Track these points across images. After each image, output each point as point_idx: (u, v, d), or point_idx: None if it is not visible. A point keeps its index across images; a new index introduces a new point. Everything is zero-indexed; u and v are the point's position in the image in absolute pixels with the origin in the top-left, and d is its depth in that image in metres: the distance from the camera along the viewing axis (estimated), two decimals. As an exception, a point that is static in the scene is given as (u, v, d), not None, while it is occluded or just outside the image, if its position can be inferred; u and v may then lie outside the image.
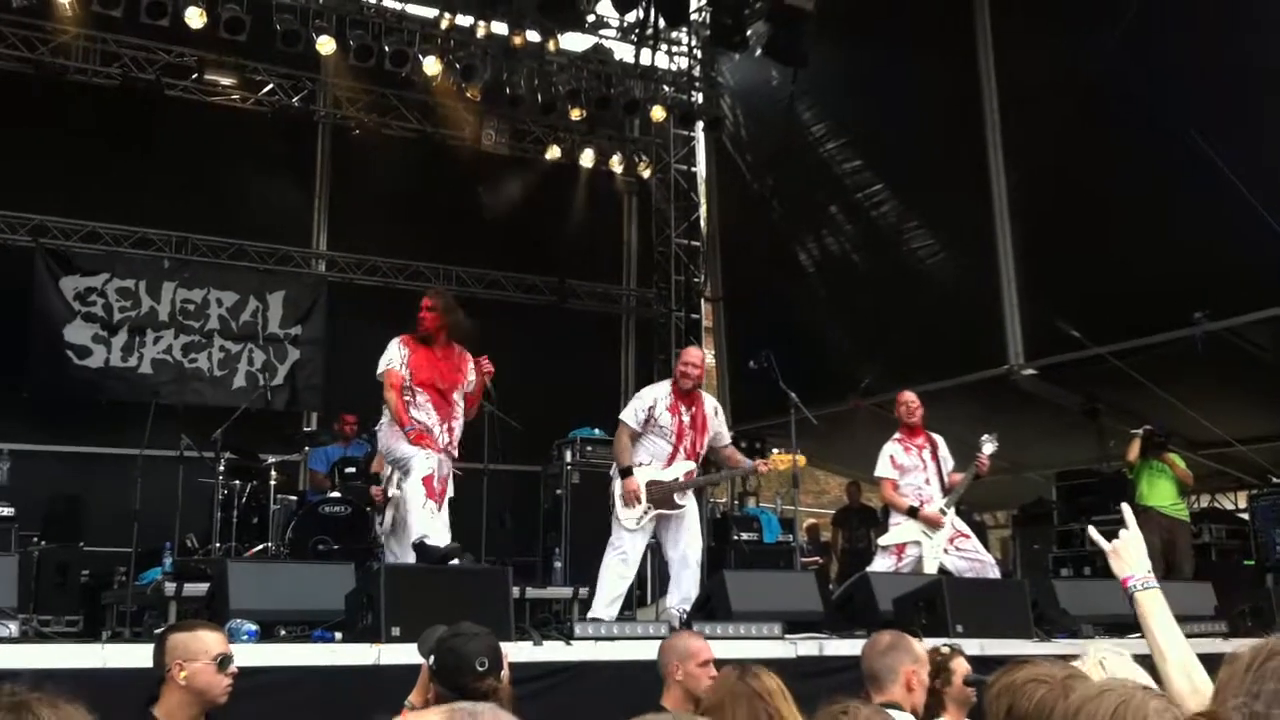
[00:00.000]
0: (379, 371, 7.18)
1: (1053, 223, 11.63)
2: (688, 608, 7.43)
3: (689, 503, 7.67)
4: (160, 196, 13.12)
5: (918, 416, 8.79)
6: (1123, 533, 2.84)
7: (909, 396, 8.90)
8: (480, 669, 3.53)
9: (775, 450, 8.22)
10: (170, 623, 7.17)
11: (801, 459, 8.40)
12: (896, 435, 8.82)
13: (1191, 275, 10.30)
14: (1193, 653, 2.57)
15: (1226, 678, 1.81)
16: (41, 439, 11.93)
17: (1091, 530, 3.04)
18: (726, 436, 8.04)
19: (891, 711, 3.81)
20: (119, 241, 12.98)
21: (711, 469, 8.80)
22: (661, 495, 7.47)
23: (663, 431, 7.57)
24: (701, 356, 7.90)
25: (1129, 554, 2.79)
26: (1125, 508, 3.08)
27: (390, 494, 7.38)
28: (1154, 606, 2.69)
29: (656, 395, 7.64)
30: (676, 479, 7.53)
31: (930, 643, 4.67)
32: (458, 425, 7.29)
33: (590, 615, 7.33)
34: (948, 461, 8.79)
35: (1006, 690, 2.28)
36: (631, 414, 7.62)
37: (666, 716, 1.67)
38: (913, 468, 8.65)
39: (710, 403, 7.90)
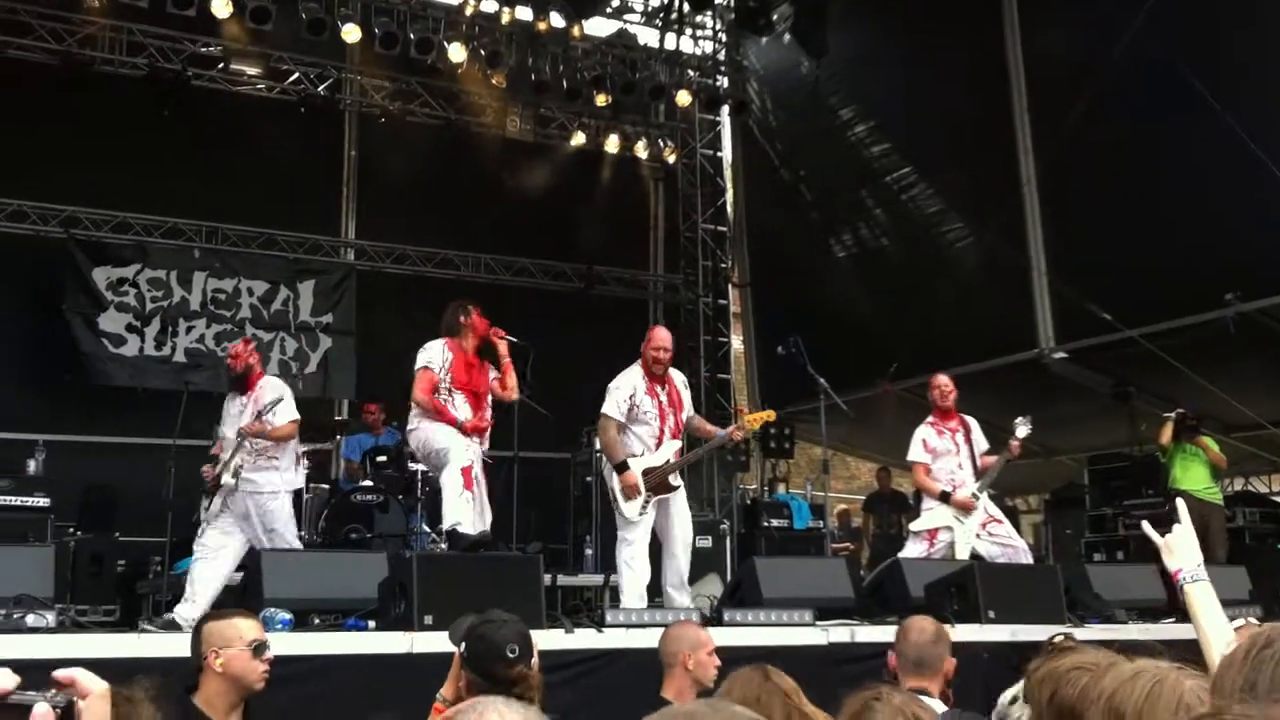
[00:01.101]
0: (418, 366, 7.32)
1: (1082, 204, 11.57)
2: (716, 595, 7.42)
3: (681, 482, 7.67)
4: (189, 186, 13.18)
5: (951, 400, 8.72)
6: (1176, 528, 2.85)
7: (942, 380, 8.84)
8: (511, 655, 3.53)
9: (746, 415, 8.23)
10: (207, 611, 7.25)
11: (771, 414, 8.58)
12: (929, 419, 8.75)
13: (1223, 256, 10.23)
14: None
15: (1224, 667, 1.80)
16: (75, 430, 12.02)
17: (1146, 526, 3.04)
18: (691, 405, 7.98)
19: (925, 699, 3.80)
20: (149, 232, 13.06)
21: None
22: (658, 480, 7.45)
23: (646, 417, 7.52)
24: (670, 337, 7.86)
25: (1181, 547, 2.81)
26: (1180, 504, 3.10)
27: (224, 481, 7.55)
28: (1203, 598, 2.70)
29: (633, 383, 7.55)
30: (668, 460, 7.49)
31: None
32: (487, 429, 7.48)
33: (624, 605, 7.30)
34: (981, 444, 8.73)
35: (1050, 677, 2.27)
36: (614, 407, 7.51)
37: (706, 702, 1.66)
38: (945, 451, 8.58)
39: (679, 377, 7.90)
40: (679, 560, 7.48)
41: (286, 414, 7.78)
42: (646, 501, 7.38)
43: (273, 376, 8.61)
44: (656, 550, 7.57)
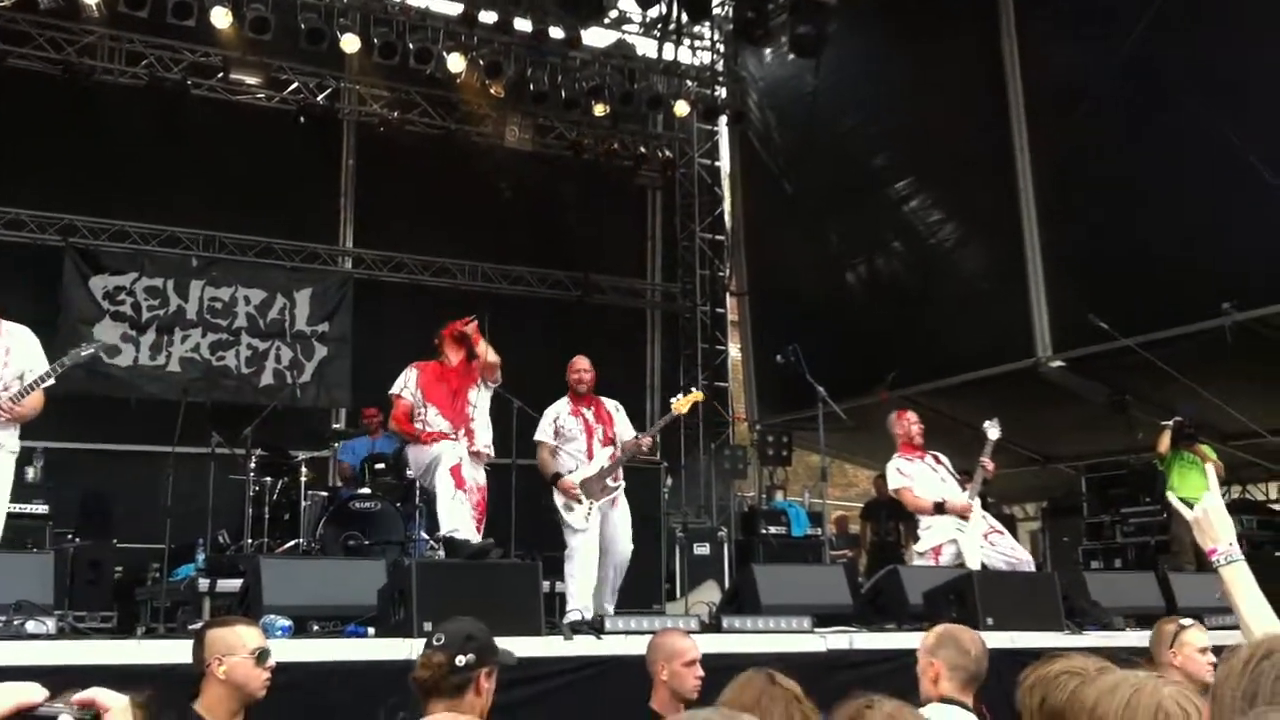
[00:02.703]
0: (391, 393, 7.69)
1: (1079, 214, 11.61)
2: (714, 602, 7.44)
3: (621, 485, 8.08)
4: (187, 195, 13.21)
5: (919, 436, 8.74)
6: (1205, 497, 2.75)
7: (912, 415, 8.88)
8: (492, 637, 3.68)
9: (674, 398, 8.49)
10: (206, 619, 7.25)
11: (699, 395, 8.94)
12: (897, 453, 8.75)
13: (1220, 266, 10.26)
14: None
15: (1222, 677, 1.81)
16: (74, 437, 11.99)
17: (1172, 497, 2.99)
18: (631, 431, 8.33)
19: (955, 709, 3.79)
20: (147, 240, 13.08)
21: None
22: (596, 487, 7.88)
23: (571, 433, 8.02)
24: (588, 363, 8.31)
25: (1213, 524, 2.70)
26: (1210, 472, 3.00)
27: None
28: (1240, 580, 2.60)
29: (558, 409, 8.13)
30: (602, 467, 7.92)
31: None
32: (478, 428, 7.59)
33: (570, 608, 7.44)
34: (950, 475, 8.73)
35: (1040, 683, 2.28)
36: (541, 432, 8.10)
37: (710, 711, 1.68)
38: (920, 473, 8.58)
39: (609, 402, 8.35)
40: (614, 576, 7.99)
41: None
42: (590, 509, 7.82)
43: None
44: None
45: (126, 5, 11.45)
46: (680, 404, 8.41)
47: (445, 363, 7.67)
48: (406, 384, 7.61)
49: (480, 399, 7.65)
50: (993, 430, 8.53)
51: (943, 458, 8.78)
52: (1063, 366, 11.90)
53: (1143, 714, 1.83)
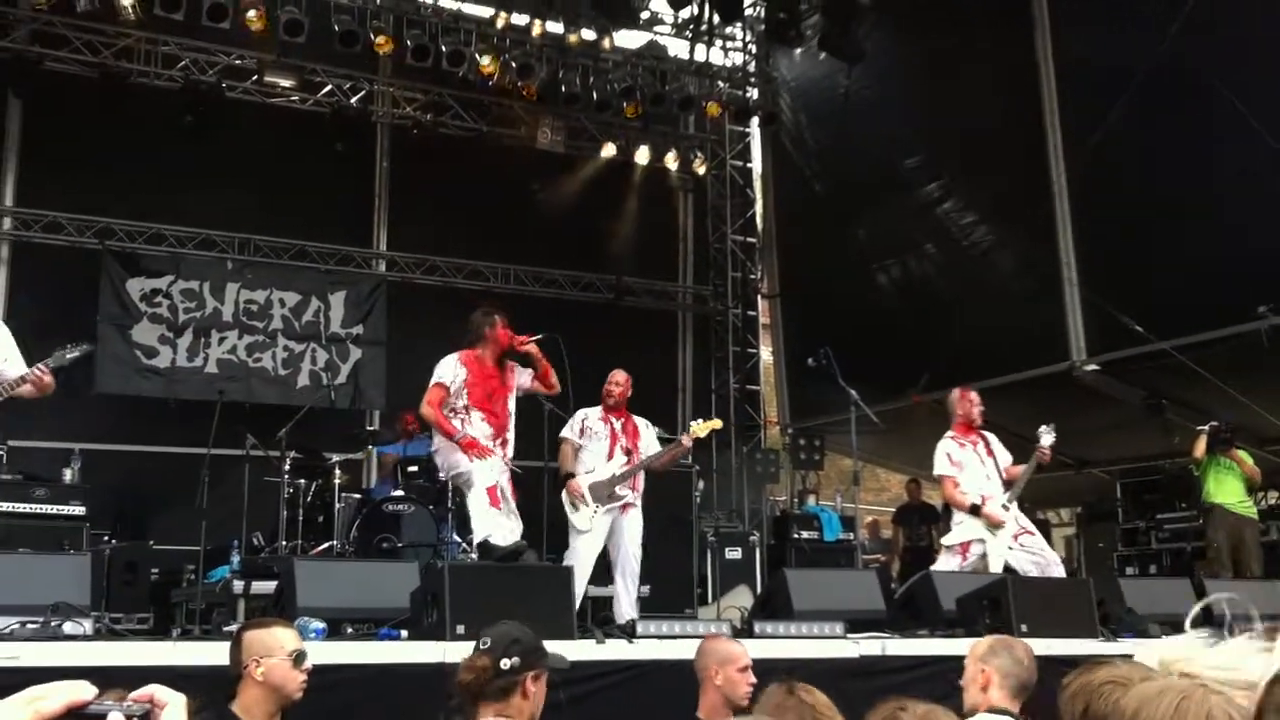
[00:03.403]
0: (432, 380, 7.48)
1: (1114, 215, 11.53)
2: (746, 607, 7.45)
3: (630, 495, 8.14)
4: (223, 198, 13.28)
5: (979, 415, 8.72)
6: None
7: (974, 394, 8.83)
8: (540, 641, 3.76)
9: (693, 423, 8.52)
10: (242, 620, 7.30)
11: (718, 422, 8.88)
12: (950, 432, 8.74)
13: (1256, 268, 10.16)
14: None
15: (1273, 681, 1.78)
16: (111, 439, 12.12)
17: None
18: (657, 448, 8.46)
19: (996, 718, 3.77)
20: (183, 243, 13.16)
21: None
22: (605, 493, 8.02)
23: (597, 436, 8.23)
24: (624, 376, 8.44)
25: None
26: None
27: None
28: None
29: (588, 411, 8.35)
30: (614, 474, 8.07)
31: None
32: (511, 435, 7.59)
33: None
34: (1004, 456, 8.72)
35: (1083, 691, 2.26)
36: (568, 429, 8.32)
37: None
38: (970, 462, 8.56)
39: (641, 420, 8.52)
40: (627, 577, 8.09)
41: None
42: (595, 513, 7.97)
43: None
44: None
45: (162, 8, 11.52)
46: (698, 429, 8.47)
47: (486, 357, 7.58)
48: (455, 379, 7.48)
49: (513, 405, 7.66)
50: (1046, 436, 8.49)
51: (995, 443, 8.73)
52: (1097, 370, 11.83)
53: None
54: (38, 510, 9.37)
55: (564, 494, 8.14)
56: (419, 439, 11.09)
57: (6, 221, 12.81)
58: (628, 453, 8.20)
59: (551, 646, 5.38)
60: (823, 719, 3.31)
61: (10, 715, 1.15)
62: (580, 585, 7.67)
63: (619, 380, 8.41)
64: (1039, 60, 12.11)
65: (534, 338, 7.71)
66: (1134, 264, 11.28)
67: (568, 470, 8.20)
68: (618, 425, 8.28)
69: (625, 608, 7.93)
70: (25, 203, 12.80)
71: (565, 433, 8.32)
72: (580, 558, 7.89)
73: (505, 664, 3.58)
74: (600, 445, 8.20)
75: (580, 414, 8.34)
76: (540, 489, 8.75)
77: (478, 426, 7.39)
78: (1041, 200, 11.96)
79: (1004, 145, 12.62)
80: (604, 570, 11.15)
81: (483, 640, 3.67)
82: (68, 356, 6.52)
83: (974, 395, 8.82)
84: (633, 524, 8.15)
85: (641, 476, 8.27)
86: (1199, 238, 10.58)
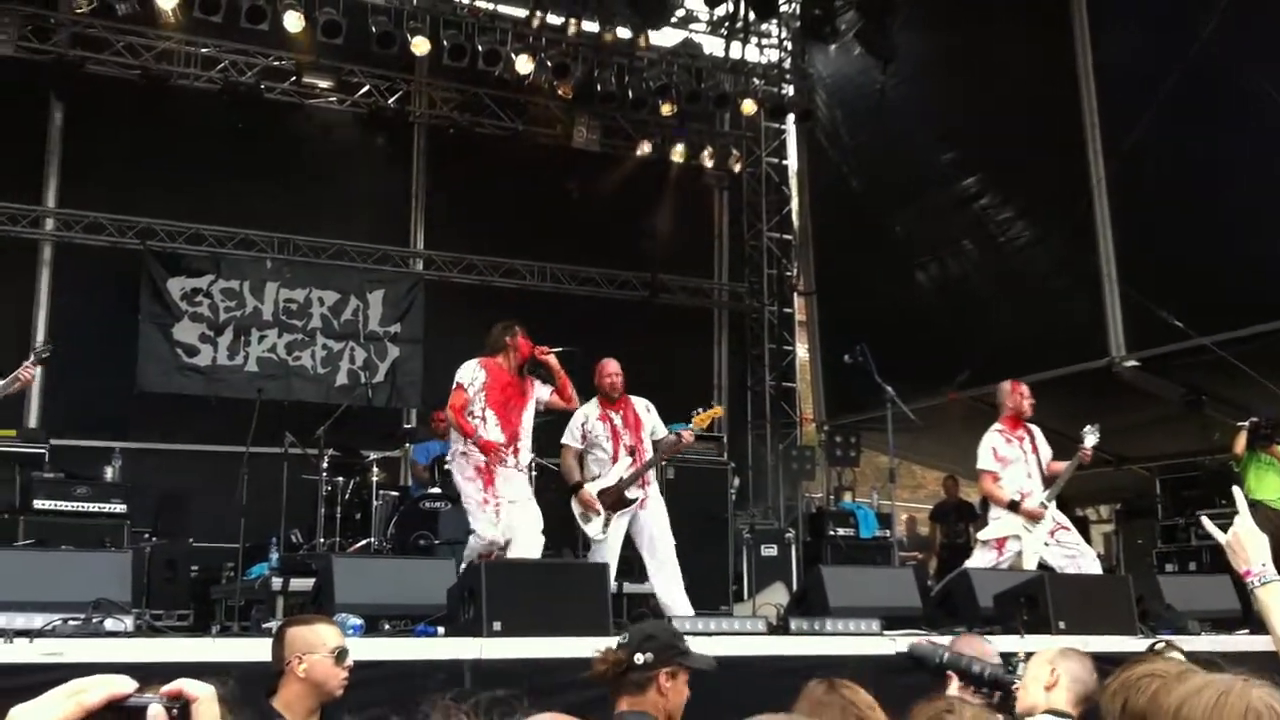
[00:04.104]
0: (454, 382, 7.69)
1: (1153, 210, 11.43)
2: (781, 604, 7.44)
3: (644, 494, 8.01)
4: (262, 198, 13.41)
5: (1030, 408, 8.66)
6: (1236, 521, 2.71)
7: (1025, 386, 8.77)
8: (680, 641, 3.84)
9: (695, 412, 8.39)
10: (282, 617, 7.37)
11: (719, 410, 8.94)
12: (997, 425, 8.68)
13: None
14: None
15: None
16: (152, 438, 12.26)
17: (1205, 521, 2.95)
18: (663, 429, 8.35)
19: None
20: (223, 243, 13.28)
21: None
22: (615, 498, 7.89)
23: (599, 440, 8.04)
24: (618, 366, 8.28)
25: (1246, 546, 2.67)
26: (1237, 492, 2.98)
27: None
28: (1276, 602, 2.58)
29: (586, 413, 8.11)
30: (620, 478, 7.92)
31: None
32: (524, 445, 7.74)
33: None
34: (1046, 452, 8.66)
35: (1122, 687, 2.26)
36: (569, 435, 8.14)
37: (783, 717, 1.68)
38: (1015, 459, 8.50)
39: (640, 402, 8.32)
40: (665, 568, 7.88)
41: None
42: (607, 521, 7.84)
43: None
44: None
45: (201, 10, 11.62)
46: (700, 419, 8.38)
47: (506, 365, 7.72)
48: (474, 381, 7.65)
49: (529, 417, 7.78)
50: (1090, 437, 8.44)
51: (1039, 438, 8.68)
52: (1137, 366, 11.73)
53: (1230, 716, 1.80)
54: (80, 508, 9.49)
55: (574, 504, 8.01)
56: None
57: (49, 223, 12.96)
58: (631, 451, 8.04)
59: (585, 643, 5.41)
60: (864, 717, 3.31)
61: (53, 708, 1.18)
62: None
63: (615, 371, 8.23)
64: (1077, 56, 12.01)
65: (555, 350, 7.83)
66: (1173, 259, 11.17)
67: (575, 480, 8.04)
68: (618, 421, 8.12)
69: (679, 607, 7.67)
70: (67, 204, 12.95)
71: (567, 440, 8.16)
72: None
73: (639, 659, 3.73)
74: (604, 449, 8.06)
75: (579, 416, 8.13)
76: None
77: (491, 432, 7.55)
78: (1080, 195, 11.87)
79: (1041, 140, 12.52)
80: (641, 565, 11.22)
81: (623, 635, 3.87)
82: (43, 355, 7.23)
83: (1025, 388, 8.75)
84: (656, 516, 8.01)
85: (652, 471, 8.19)
86: (1239, 231, 10.48)
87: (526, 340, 7.76)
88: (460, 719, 1.43)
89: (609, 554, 7.81)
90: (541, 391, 7.84)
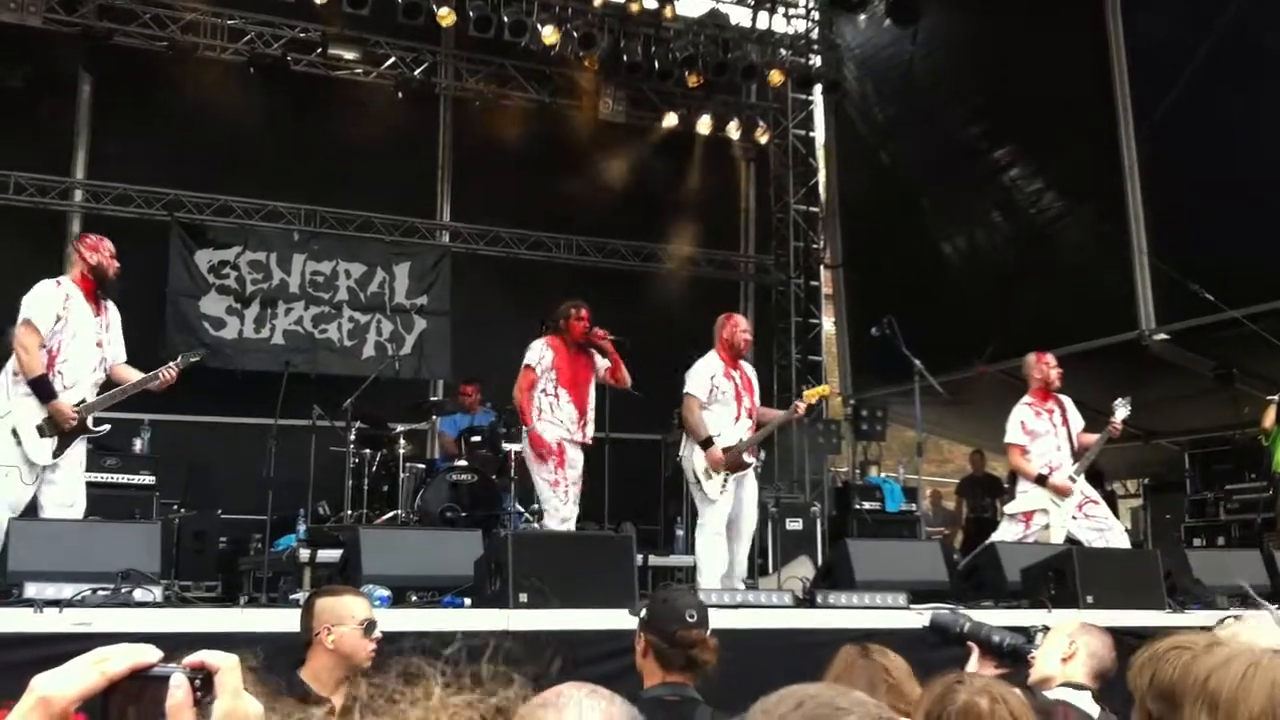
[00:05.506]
0: (523, 363, 7.93)
1: (1184, 183, 11.32)
2: (808, 577, 7.44)
3: (755, 461, 7.94)
4: (288, 170, 13.41)
5: (1058, 380, 8.61)
6: None
7: (1051, 358, 8.72)
8: (690, 620, 3.71)
9: (805, 389, 8.49)
10: (307, 588, 7.41)
11: (827, 389, 9.01)
12: (1027, 399, 8.63)
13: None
14: None
15: None
16: (180, 409, 12.26)
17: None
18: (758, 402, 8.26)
19: (1085, 695, 3.74)
20: (250, 215, 13.30)
21: None
22: (734, 460, 7.68)
23: (724, 397, 7.77)
24: (749, 323, 8.28)
25: None
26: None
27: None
28: None
29: (713, 367, 7.82)
30: (741, 439, 7.74)
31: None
32: (591, 416, 8.00)
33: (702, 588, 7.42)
34: (1077, 423, 8.62)
35: (1150, 661, 2.24)
36: (696, 387, 7.77)
37: (819, 686, 1.67)
38: (1044, 432, 8.47)
39: (748, 367, 8.17)
40: (739, 549, 7.78)
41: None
42: (725, 481, 7.63)
43: None
44: None
45: (228, -18, 11.65)
46: (810, 395, 8.32)
47: (568, 342, 7.93)
48: (542, 360, 7.84)
49: (593, 391, 8.03)
50: (1121, 410, 8.41)
51: (1070, 409, 8.64)
52: (1167, 339, 11.64)
53: (1259, 688, 1.79)
54: (109, 480, 9.54)
55: (697, 459, 7.64)
56: (482, 411, 11.18)
57: (77, 194, 13.00)
58: (749, 414, 7.84)
59: (613, 615, 5.42)
60: (893, 681, 3.31)
61: (77, 676, 1.18)
62: (719, 563, 7.50)
63: (747, 327, 8.07)
64: (1108, 26, 11.88)
65: (609, 337, 7.98)
66: (1204, 231, 11.08)
67: (706, 434, 7.62)
68: (739, 380, 7.85)
69: (734, 580, 7.67)
70: (95, 175, 13.00)
71: (693, 389, 7.75)
72: (713, 529, 7.59)
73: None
74: (728, 408, 7.74)
75: (705, 368, 7.80)
76: (602, 460, 8.81)
77: (564, 408, 7.80)
78: (1111, 168, 11.76)
79: (1072, 111, 12.41)
80: (667, 538, 11.22)
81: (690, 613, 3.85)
82: (191, 359, 7.61)
83: (1050, 358, 8.71)
84: (752, 489, 7.86)
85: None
86: (1271, 203, 10.36)
87: (579, 324, 7.91)
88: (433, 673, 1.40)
89: (720, 516, 7.60)
90: (599, 367, 8.06)
